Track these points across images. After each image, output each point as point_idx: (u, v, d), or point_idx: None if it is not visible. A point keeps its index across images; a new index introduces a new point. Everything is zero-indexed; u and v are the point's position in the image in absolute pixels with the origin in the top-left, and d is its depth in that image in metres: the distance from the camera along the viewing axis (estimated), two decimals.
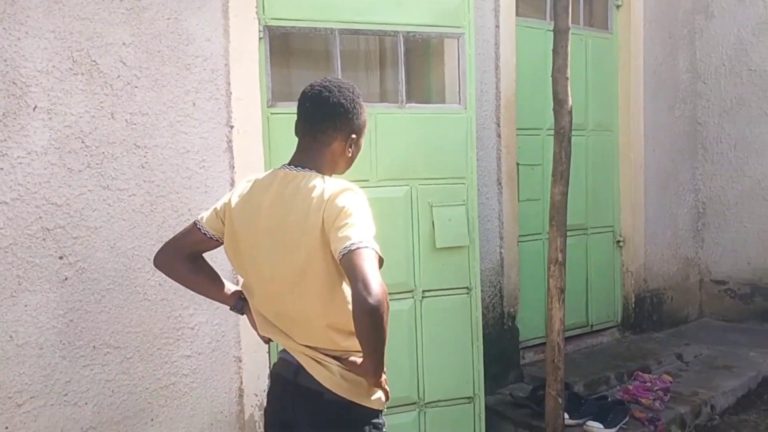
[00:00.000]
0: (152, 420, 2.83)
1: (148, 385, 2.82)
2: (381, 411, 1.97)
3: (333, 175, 2.00)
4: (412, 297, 3.37)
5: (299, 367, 1.92)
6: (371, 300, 1.66)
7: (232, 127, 2.99)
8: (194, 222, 2.08)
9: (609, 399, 3.83)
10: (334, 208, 1.81)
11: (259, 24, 3.05)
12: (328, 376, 1.89)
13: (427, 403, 3.40)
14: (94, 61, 2.67)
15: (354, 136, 1.99)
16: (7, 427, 2.54)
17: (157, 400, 2.85)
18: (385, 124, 3.28)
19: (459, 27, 3.41)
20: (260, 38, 3.06)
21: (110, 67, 2.70)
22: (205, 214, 2.08)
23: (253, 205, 1.95)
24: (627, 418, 3.65)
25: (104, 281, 2.72)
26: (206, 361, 2.95)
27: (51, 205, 2.61)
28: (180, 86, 2.86)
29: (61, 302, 2.63)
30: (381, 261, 1.79)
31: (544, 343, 3.36)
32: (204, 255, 2.12)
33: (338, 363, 1.90)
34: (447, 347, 3.42)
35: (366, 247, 1.73)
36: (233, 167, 3.00)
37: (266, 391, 2.12)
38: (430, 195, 3.36)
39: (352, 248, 1.72)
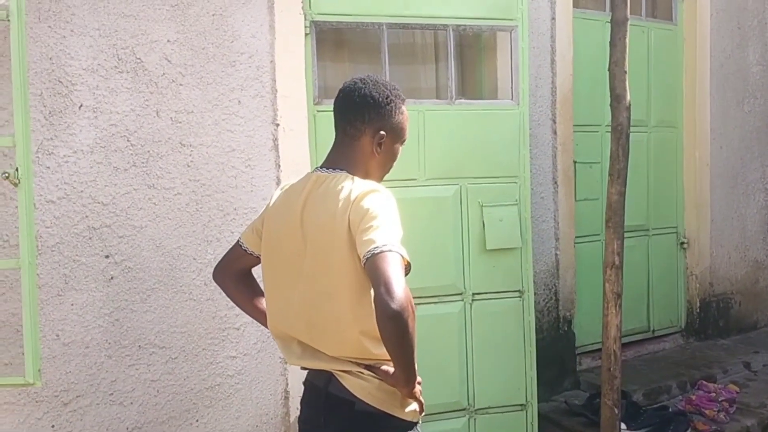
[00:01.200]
0: (197, 421, 2.81)
1: (193, 385, 2.80)
2: (416, 423, 1.88)
3: (366, 175, 1.92)
4: (462, 300, 3.28)
5: (331, 376, 1.85)
6: (393, 305, 1.60)
7: (278, 125, 2.95)
8: (239, 237, 2.10)
9: (670, 410, 3.66)
10: (359, 211, 1.75)
11: (305, 19, 3.00)
12: (360, 386, 1.82)
13: (477, 409, 3.32)
14: (139, 58, 2.66)
15: (383, 132, 1.89)
16: (53, 426, 2.55)
17: (202, 401, 2.82)
18: (434, 121, 3.20)
19: (512, 20, 3.30)
20: (306, 34, 3.01)
21: (155, 64, 2.69)
22: (246, 229, 2.09)
23: (289, 211, 1.90)
24: (689, 431, 3.47)
25: (149, 280, 2.71)
26: (252, 363, 2.92)
27: (97, 204, 2.61)
28: (225, 84, 2.83)
29: (107, 301, 2.63)
30: (408, 266, 1.73)
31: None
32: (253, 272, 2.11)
33: (371, 372, 1.82)
34: (498, 352, 3.33)
35: (390, 250, 1.67)
36: (279, 166, 2.96)
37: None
38: (480, 194, 3.27)
39: (376, 252, 1.66)
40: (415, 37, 3.60)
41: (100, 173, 2.60)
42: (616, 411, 3.05)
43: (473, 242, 3.26)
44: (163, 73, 2.71)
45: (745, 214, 5.12)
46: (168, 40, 2.71)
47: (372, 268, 1.66)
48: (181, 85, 2.75)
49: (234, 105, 2.86)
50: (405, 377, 1.75)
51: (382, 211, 1.75)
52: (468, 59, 3.65)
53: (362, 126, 1.89)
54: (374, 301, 1.64)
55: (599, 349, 3.71)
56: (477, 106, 3.35)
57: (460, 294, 3.28)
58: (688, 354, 4.57)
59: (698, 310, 4.80)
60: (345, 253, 1.77)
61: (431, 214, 3.20)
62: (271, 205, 2.01)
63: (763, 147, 5.23)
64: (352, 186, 1.81)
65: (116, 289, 2.64)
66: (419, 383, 1.84)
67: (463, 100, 3.33)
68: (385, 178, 2.01)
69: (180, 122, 2.75)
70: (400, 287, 1.62)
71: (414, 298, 3.17)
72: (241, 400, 2.90)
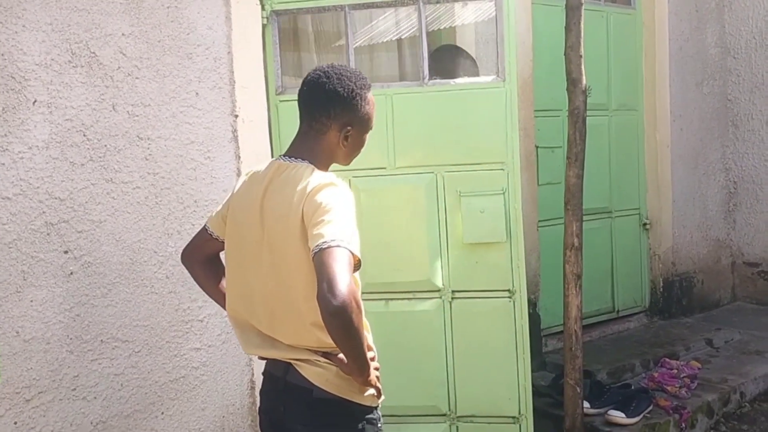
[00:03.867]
0: (162, 414, 2.82)
1: (157, 378, 2.81)
2: (375, 407, 1.92)
3: (331, 165, 1.96)
4: (440, 297, 3.06)
5: (288, 365, 1.88)
6: (335, 302, 1.61)
7: (236, 116, 2.95)
8: (206, 222, 2.11)
9: (632, 387, 3.73)
10: (313, 204, 1.77)
11: (263, 9, 2.99)
12: (317, 373, 1.85)
13: (459, 416, 3.10)
14: (93, 52, 2.63)
15: (350, 128, 1.91)
16: (16, 423, 2.54)
17: (167, 393, 2.83)
18: (404, 105, 2.99)
19: None
20: (265, 24, 3.00)
21: (110, 58, 2.67)
22: (213, 213, 2.11)
23: (251, 198, 1.92)
24: (651, 407, 3.55)
25: (110, 275, 2.70)
26: (216, 354, 2.93)
27: (54, 200, 2.59)
28: (182, 76, 2.82)
29: (67, 297, 2.62)
30: (358, 262, 1.74)
31: None
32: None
33: (327, 360, 1.85)
34: (484, 357, 3.06)
35: (338, 246, 1.67)
36: (239, 157, 2.96)
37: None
38: (459, 183, 3.00)
39: (323, 246, 1.67)
40: (384, 18, 3.57)
41: (56, 169, 2.58)
42: (579, 390, 3.11)
43: (452, 235, 3.02)
44: (119, 67, 2.69)
45: (706, 194, 5.21)
46: (122, 34, 2.69)
47: (318, 263, 1.67)
48: (137, 78, 2.73)
49: (192, 97, 2.85)
50: (357, 368, 1.78)
51: (336, 206, 1.76)
52: (441, 37, 3.61)
53: (328, 121, 1.90)
54: (317, 298, 1.65)
55: (563, 331, 3.77)
56: (454, 86, 3.06)
57: (438, 291, 3.07)
58: (652, 333, 4.66)
59: (662, 290, 4.90)
60: (298, 245, 1.79)
61: (402, 205, 3.02)
62: (235, 190, 2.02)
63: (723, 128, 5.32)
64: (310, 178, 1.82)
65: (76, 285, 2.63)
66: (376, 369, 1.88)
67: (437, 80, 3.07)
68: (352, 167, 2.03)
69: (137, 115, 2.73)
70: (343, 283, 1.62)
71: (386, 293, 3.13)
72: (207, 391, 2.91)
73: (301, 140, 1.94)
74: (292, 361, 1.87)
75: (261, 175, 1.94)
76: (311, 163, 1.89)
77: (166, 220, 2.81)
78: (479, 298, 3.06)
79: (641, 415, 3.48)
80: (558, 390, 3.53)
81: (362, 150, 2.03)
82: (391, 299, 3.07)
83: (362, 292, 2.99)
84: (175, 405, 2.85)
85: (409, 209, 3.03)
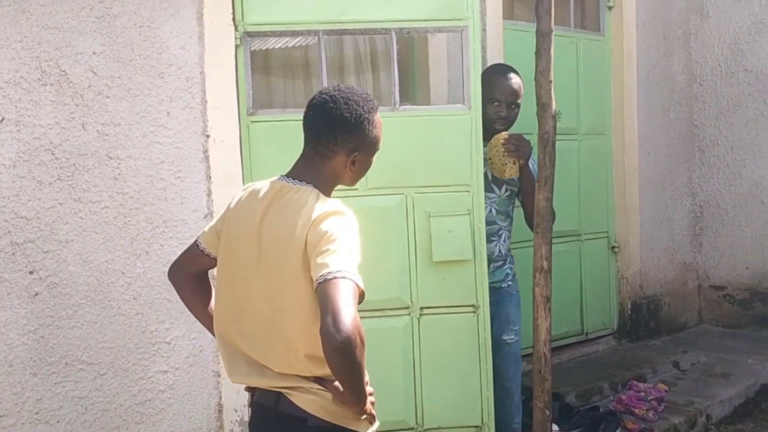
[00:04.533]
0: None
1: (123, 401, 2.76)
2: None
3: (335, 188, 1.92)
4: (409, 314, 3.13)
5: (279, 394, 1.81)
6: (339, 337, 1.56)
7: (208, 136, 2.94)
8: (197, 237, 2.04)
9: (601, 410, 3.75)
10: (318, 232, 1.72)
11: (236, 31, 2.98)
12: (311, 401, 1.79)
13: (426, 429, 3.16)
14: (64, 71, 2.61)
15: (357, 153, 1.87)
16: None
17: (132, 417, 2.78)
18: None
19: (461, 20, 3.12)
20: (237, 45, 2.99)
21: (80, 77, 2.65)
22: (206, 228, 2.04)
23: (249, 216, 1.86)
24: (618, 430, 3.58)
25: (76, 296, 2.66)
26: (183, 377, 2.89)
27: (20, 219, 2.55)
28: (153, 95, 2.81)
29: (32, 318, 2.57)
30: (362, 294, 1.70)
31: None
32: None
33: (320, 386, 1.79)
34: (450, 370, 3.15)
35: (344, 277, 1.63)
36: (210, 177, 2.94)
37: (248, 412, 2.04)
38: (428, 204, 3.12)
39: (329, 277, 1.63)
40: (357, 44, 3.60)
41: (23, 187, 2.55)
42: (548, 413, 3.11)
43: (420, 254, 3.11)
44: (89, 86, 2.67)
45: (673, 217, 5.29)
46: (94, 52, 2.68)
47: (322, 295, 1.63)
48: (107, 97, 2.71)
49: (163, 117, 2.83)
50: (354, 399, 1.74)
51: (342, 236, 1.71)
52: (412, 64, 3.65)
53: (335, 147, 1.85)
54: (320, 331, 1.60)
55: (532, 354, 3.79)
56: (424, 112, 3.24)
57: (407, 308, 3.14)
58: (620, 355, 4.69)
59: (629, 312, 4.94)
60: (299, 272, 1.74)
61: (374, 225, 2.97)
62: (232, 206, 1.95)
63: (689, 153, 5.42)
64: (315, 204, 1.78)
65: (41, 306, 2.58)
66: (371, 394, 1.82)
67: (408, 106, 3.21)
68: None
69: (107, 135, 2.71)
70: (348, 317, 1.58)
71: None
72: (173, 414, 2.86)
73: (306, 163, 1.89)
74: (283, 390, 1.80)
75: (261, 194, 1.88)
76: (315, 187, 1.84)
77: (134, 240, 2.78)
78: (446, 313, 3.17)
79: None
80: (526, 412, 3.54)
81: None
82: (362, 317, 3.02)
83: None
84: (141, 429, 2.80)
85: (380, 229, 3.06)
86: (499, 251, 3.33)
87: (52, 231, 2.61)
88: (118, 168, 2.74)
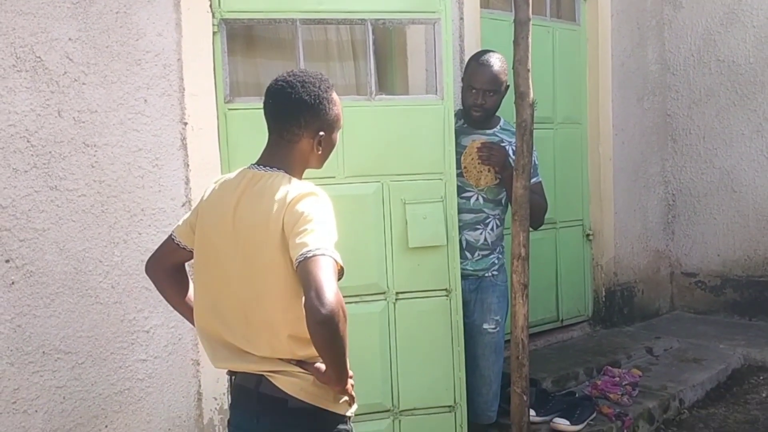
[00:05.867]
0: (106, 426, 2.76)
1: (101, 390, 2.75)
2: (348, 417, 1.92)
3: (305, 171, 1.97)
4: (385, 299, 3.20)
5: (261, 377, 1.85)
6: (323, 310, 1.61)
7: (186, 123, 2.92)
8: (172, 231, 2.07)
9: (576, 395, 3.81)
10: (294, 214, 1.76)
11: (214, 17, 2.96)
12: (292, 383, 1.83)
13: (402, 411, 3.22)
14: (39, 57, 2.58)
15: (322, 133, 1.92)
16: None
17: (111, 406, 2.77)
18: (353, 118, 3.05)
19: (434, 12, 3.18)
20: (215, 32, 2.97)
21: (56, 63, 2.61)
22: (180, 222, 2.07)
23: (223, 207, 1.90)
24: (594, 414, 3.62)
25: (53, 285, 2.64)
26: (163, 365, 2.88)
27: None
28: (130, 82, 2.78)
29: (8, 307, 2.55)
30: (341, 270, 1.75)
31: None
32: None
33: (301, 369, 1.83)
34: (425, 352, 3.24)
35: (323, 254, 1.68)
36: (188, 165, 2.92)
37: (228, 399, 2.06)
38: (403, 192, 3.18)
39: (308, 255, 1.68)
40: (333, 33, 3.60)
41: None
42: (525, 398, 3.15)
43: (396, 240, 3.18)
44: (65, 72, 2.64)
45: (646, 206, 5.37)
46: (69, 38, 2.64)
47: (304, 272, 1.67)
48: (84, 84, 2.68)
49: (140, 104, 2.81)
50: (337, 376, 1.78)
51: (317, 215, 1.76)
52: (387, 54, 3.66)
53: (299, 131, 1.90)
54: (305, 306, 1.64)
55: (509, 340, 3.83)
56: (399, 102, 3.29)
57: (383, 293, 3.20)
58: (595, 341, 4.76)
59: (604, 299, 5.01)
60: (277, 255, 1.78)
61: (351, 213, 3.08)
62: (205, 198, 1.99)
63: (662, 142, 5.49)
64: (288, 187, 1.82)
65: (18, 294, 2.56)
66: (351, 377, 1.86)
67: (384, 96, 3.26)
68: (304, 176, 2.01)
69: (83, 122, 2.68)
70: (331, 292, 1.63)
71: None
72: (153, 403, 2.85)
73: (273, 150, 1.93)
74: (264, 373, 1.84)
75: (233, 184, 1.92)
76: (287, 172, 1.89)
77: (112, 228, 2.76)
78: (420, 298, 3.24)
79: (585, 423, 3.54)
80: (504, 398, 3.58)
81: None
82: None
83: None
84: (120, 418, 2.79)
85: (357, 216, 3.11)
86: (485, 240, 3.33)
87: (29, 219, 2.58)
88: (95, 155, 2.71)
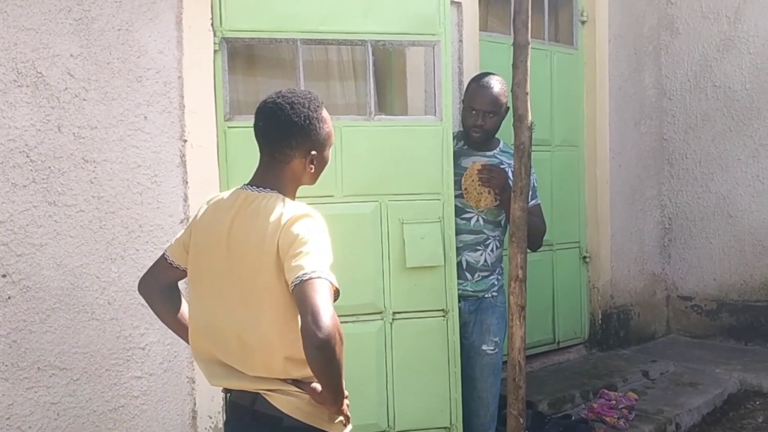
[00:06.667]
0: None
1: (96, 407, 2.73)
2: None
3: (298, 190, 1.98)
4: (382, 319, 3.19)
5: (256, 395, 1.84)
6: (321, 335, 1.61)
7: (185, 141, 2.93)
8: (165, 250, 2.08)
9: (573, 418, 3.79)
10: (289, 236, 1.76)
11: (215, 36, 2.98)
12: (288, 401, 1.83)
13: (397, 431, 3.21)
14: (40, 72, 2.59)
15: (314, 152, 1.92)
16: None
17: (105, 423, 2.75)
18: (352, 138, 3.14)
19: (434, 35, 3.22)
20: (216, 51, 2.99)
21: (57, 79, 2.63)
22: (173, 241, 2.08)
23: (217, 227, 1.90)
24: None
25: (50, 300, 2.63)
26: (158, 383, 2.86)
27: None
28: (131, 99, 2.79)
29: (4, 322, 2.54)
30: (337, 292, 1.75)
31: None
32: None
33: (297, 388, 1.83)
34: (421, 373, 3.22)
35: (319, 277, 1.68)
36: (187, 182, 2.93)
37: (223, 418, 2.06)
38: (401, 211, 3.19)
39: (305, 278, 1.68)
40: (333, 53, 3.62)
41: None
42: (522, 420, 3.13)
43: (393, 260, 3.18)
44: (66, 88, 2.65)
45: (643, 229, 5.38)
46: (71, 55, 2.66)
47: (300, 296, 1.67)
48: (84, 100, 2.69)
49: (140, 120, 2.82)
50: (333, 397, 1.77)
51: (313, 237, 1.76)
52: (387, 75, 3.69)
53: (291, 152, 1.90)
54: (301, 330, 1.64)
55: (506, 362, 3.82)
56: (398, 122, 3.31)
57: (380, 313, 3.19)
58: (591, 364, 4.75)
59: (600, 322, 5.00)
60: (273, 277, 1.77)
61: (349, 232, 3.10)
62: (198, 218, 1.99)
63: (659, 165, 5.52)
64: (283, 209, 1.82)
65: (14, 309, 2.55)
66: (346, 396, 1.86)
67: (383, 116, 3.29)
68: (302, 194, 2.03)
69: (83, 138, 2.69)
70: (327, 315, 1.63)
71: None
72: (147, 421, 2.84)
73: (266, 170, 1.93)
74: (260, 391, 1.84)
75: (227, 204, 1.92)
76: (280, 192, 1.89)
77: (109, 244, 2.75)
78: (417, 318, 3.23)
79: None
80: (500, 420, 3.56)
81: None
82: None
83: None
84: None
85: (354, 235, 3.12)
86: (485, 261, 3.31)
87: (26, 234, 2.57)
88: (94, 171, 2.71)
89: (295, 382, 1.83)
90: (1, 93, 2.51)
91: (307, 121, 1.90)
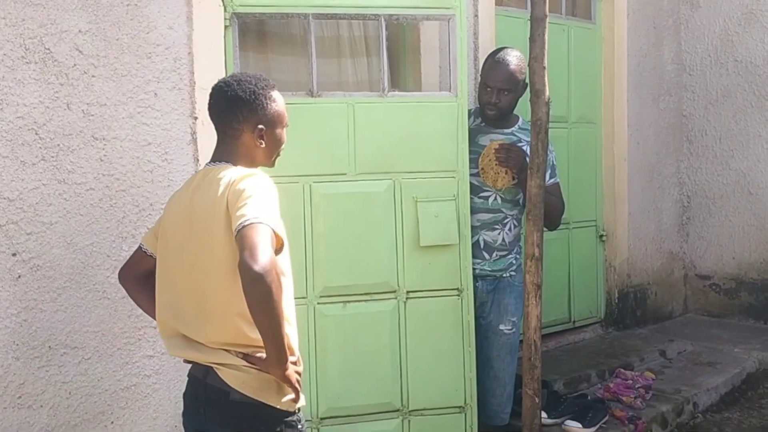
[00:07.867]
0: (112, 423, 2.73)
1: (107, 386, 2.72)
2: (293, 413, 1.94)
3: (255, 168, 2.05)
4: (395, 298, 3.15)
5: (209, 368, 1.91)
6: (256, 267, 1.67)
7: (196, 118, 2.89)
8: (141, 240, 2.19)
9: (589, 397, 3.75)
10: (236, 192, 1.84)
11: (225, 11, 2.93)
12: (236, 376, 1.88)
13: (411, 410, 3.18)
14: (48, 49, 2.55)
15: (261, 126, 2.01)
16: None
17: (117, 402, 2.74)
18: (366, 114, 3.08)
19: (449, 8, 3.13)
20: (226, 26, 2.94)
21: (65, 55, 2.59)
22: (148, 231, 2.20)
23: (180, 204, 2.01)
24: (606, 417, 3.57)
25: (60, 279, 2.61)
26: (170, 361, 2.85)
27: (3, 200, 2.49)
28: (141, 75, 2.76)
29: (14, 301, 2.52)
30: (281, 242, 1.83)
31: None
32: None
33: (247, 362, 1.88)
34: (435, 352, 3.19)
35: (260, 222, 1.75)
36: (197, 160, 2.89)
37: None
38: (415, 189, 3.13)
39: (246, 223, 1.75)
40: (343, 29, 3.56)
41: (5, 168, 2.49)
42: (537, 400, 3.10)
43: (407, 239, 3.13)
44: (74, 64, 2.61)
45: (661, 207, 5.30)
46: (79, 30, 2.61)
47: (240, 238, 1.73)
48: (93, 76, 2.65)
49: (150, 97, 2.78)
50: (276, 354, 1.80)
51: (257, 191, 1.84)
52: (401, 50, 3.62)
53: (239, 125, 2.00)
54: (238, 266, 1.70)
55: (522, 341, 3.78)
56: (412, 99, 3.24)
57: (394, 292, 3.14)
58: (607, 343, 4.70)
59: (617, 301, 4.95)
60: (223, 234, 1.85)
61: (362, 210, 3.09)
62: (167, 204, 2.11)
63: (678, 143, 5.42)
64: (233, 172, 1.92)
65: (24, 288, 2.53)
66: (294, 363, 1.89)
67: (396, 93, 3.23)
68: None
69: (92, 115, 2.66)
70: (265, 253, 1.69)
71: (345, 295, 3.24)
72: (159, 400, 2.83)
73: (221, 147, 2.05)
74: (212, 365, 1.90)
75: (188, 184, 2.05)
76: (234, 165, 1.99)
77: (120, 223, 2.73)
78: (431, 297, 3.19)
79: (597, 426, 3.50)
80: (515, 400, 3.53)
81: (282, 149, 2.12)
82: (349, 302, 3.12)
83: (321, 296, 3.00)
84: (126, 414, 2.76)
85: (367, 214, 3.10)
86: (503, 240, 3.27)
87: (36, 212, 2.55)
88: (103, 149, 2.68)
89: (245, 357, 1.88)
90: (9, 70, 2.48)
91: (253, 96, 1.99)
